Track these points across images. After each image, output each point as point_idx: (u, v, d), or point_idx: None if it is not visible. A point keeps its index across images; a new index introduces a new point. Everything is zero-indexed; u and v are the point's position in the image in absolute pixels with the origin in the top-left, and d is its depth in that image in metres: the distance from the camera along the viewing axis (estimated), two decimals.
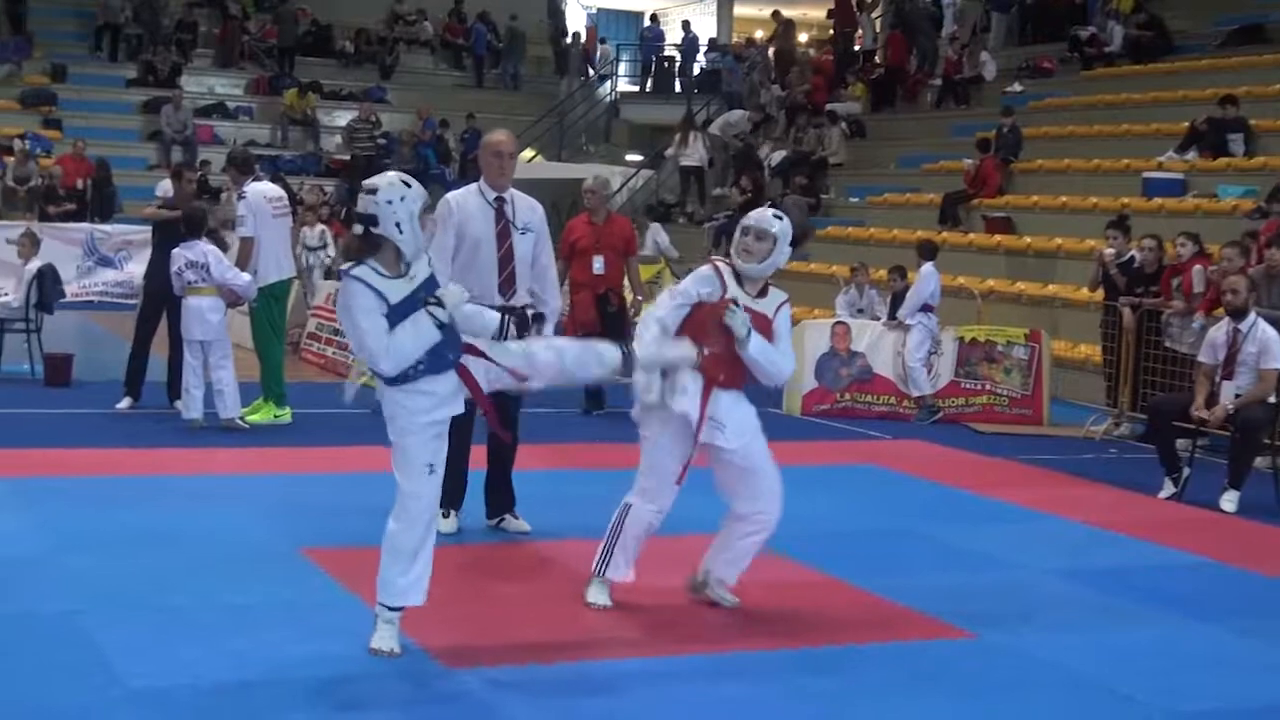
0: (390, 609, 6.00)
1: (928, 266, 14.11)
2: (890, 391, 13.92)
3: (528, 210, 8.10)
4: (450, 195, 8.13)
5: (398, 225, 5.72)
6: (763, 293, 6.81)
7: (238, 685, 5.58)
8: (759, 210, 7.01)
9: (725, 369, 6.68)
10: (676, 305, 6.68)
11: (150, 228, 12.82)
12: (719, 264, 6.80)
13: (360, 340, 5.80)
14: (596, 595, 6.89)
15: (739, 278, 6.73)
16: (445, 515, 7.80)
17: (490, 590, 7.16)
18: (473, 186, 8.14)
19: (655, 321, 6.62)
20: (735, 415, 6.71)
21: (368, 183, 5.89)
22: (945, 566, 8.13)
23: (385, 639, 5.99)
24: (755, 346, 6.62)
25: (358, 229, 5.82)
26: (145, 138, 27.47)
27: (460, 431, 7.76)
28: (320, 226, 19.29)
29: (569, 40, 32.75)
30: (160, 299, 11.94)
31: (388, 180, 5.84)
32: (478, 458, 8.25)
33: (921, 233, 19.71)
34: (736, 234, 6.80)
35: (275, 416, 11.62)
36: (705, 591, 6.96)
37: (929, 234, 18.58)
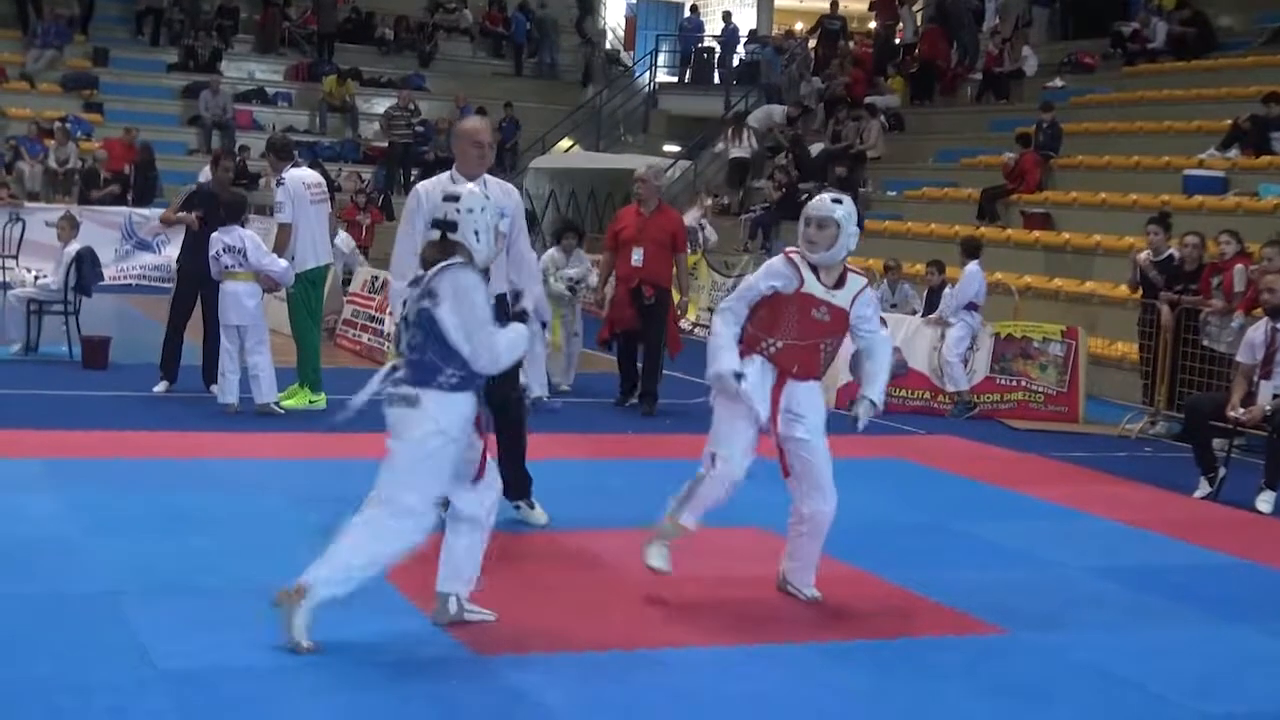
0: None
1: (972, 265, 14.06)
2: (925, 386, 13.88)
3: (501, 195, 7.78)
4: (420, 185, 7.98)
5: (476, 233, 5.90)
6: (840, 282, 6.76)
7: (267, 669, 5.60)
8: (818, 198, 6.87)
9: (799, 360, 6.68)
10: (743, 299, 6.71)
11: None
12: (793, 254, 6.73)
13: (474, 329, 5.78)
14: (656, 559, 6.85)
15: (815, 268, 6.69)
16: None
17: (520, 577, 7.15)
18: (444, 176, 7.92)
19: (721, 315, 6.76)
20: (811, 406, 6.74)
21: (449, 191, 6.07)
22: (977, 562, 8.11)
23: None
24: (880, 390, 6.89)
25: (434, 234, 5.95)
26: (185, 122, 27.58)
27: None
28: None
29: (600, 35, 32.68)
30: (195, 282, 11.98)
31: (469, 190, 6.10)
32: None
33: (960, 228, 19.67)
34: (800, 225, 6.76)
35: (310, 402, 11.66)
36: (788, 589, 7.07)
37: (968, 229, 18.54)
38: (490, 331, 5.83)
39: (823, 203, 6.76)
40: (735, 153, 25.65)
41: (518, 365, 8.06)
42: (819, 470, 6.76)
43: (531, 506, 8.30)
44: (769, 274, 6.71)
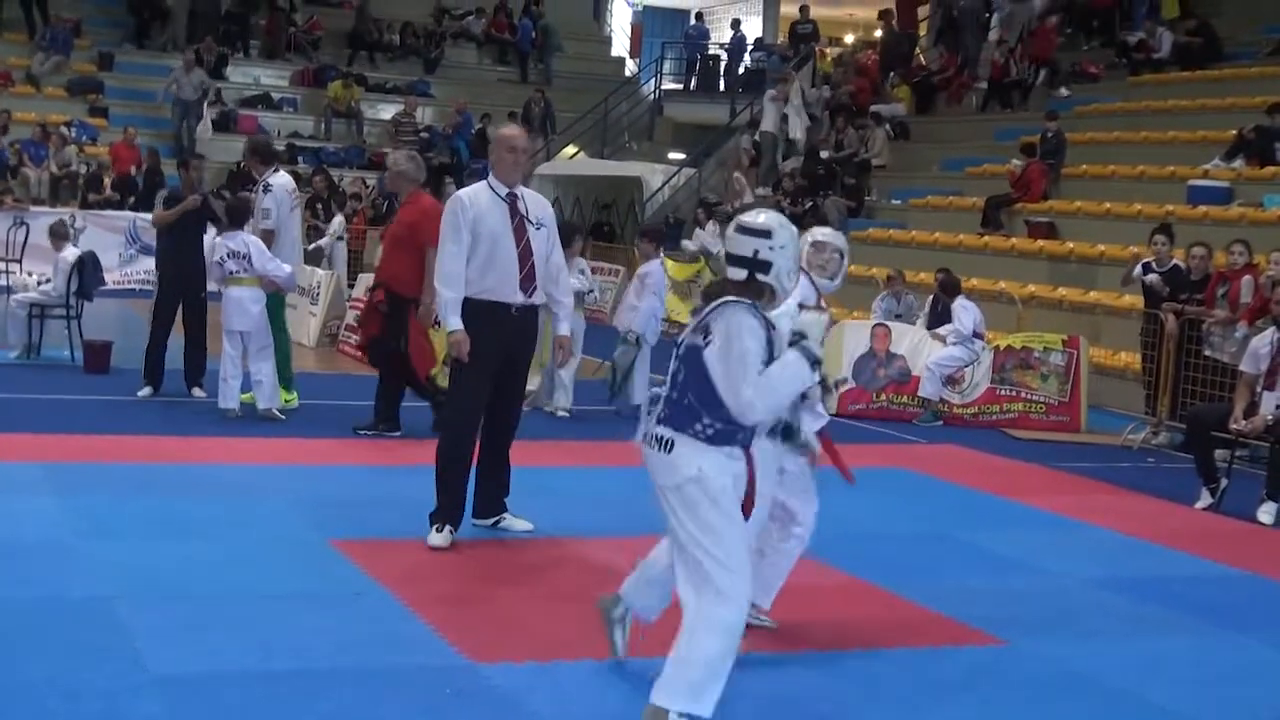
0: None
1: (960, 300, 14.01)
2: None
3: (539, 206, 7.92)
4: (461, 192, 7.91)
5: (787, 273, 5.18)
6: None
7: (262, 675, 5.59)
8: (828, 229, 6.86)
9: None
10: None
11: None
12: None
13: (739, 378, 4.95)
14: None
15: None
16: (439, 530, 7.73)
17: (517, 585, 7.14)
18: (482, 183, 7.90)
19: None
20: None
21: (756, 223, 5.20)
22: (977, 572, 8.08)
23: None
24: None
25: (738, 273, 5.14)
26: None
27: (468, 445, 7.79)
28: (339, 216, 19.76)
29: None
30: (176, 286, 12.05)
31: (779, 222, 5.20)
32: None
33: (964, 237, 19.68)
34: (807, 248, 6.66)
35: (285, 401, 11.68)
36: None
37: (972, 238, 18.52)
38: (759, 377, 4.95)
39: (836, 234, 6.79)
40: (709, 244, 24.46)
41: (524, 370, 8.08)
42: (808, 474, 6.66)
43: (514, 515, 8.16)
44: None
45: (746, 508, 5.16)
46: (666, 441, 5.12)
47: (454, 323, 7.67)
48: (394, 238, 10.91)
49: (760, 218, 5.24)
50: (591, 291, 13.55)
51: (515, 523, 8.13)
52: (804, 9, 29.71)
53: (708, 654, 5.00)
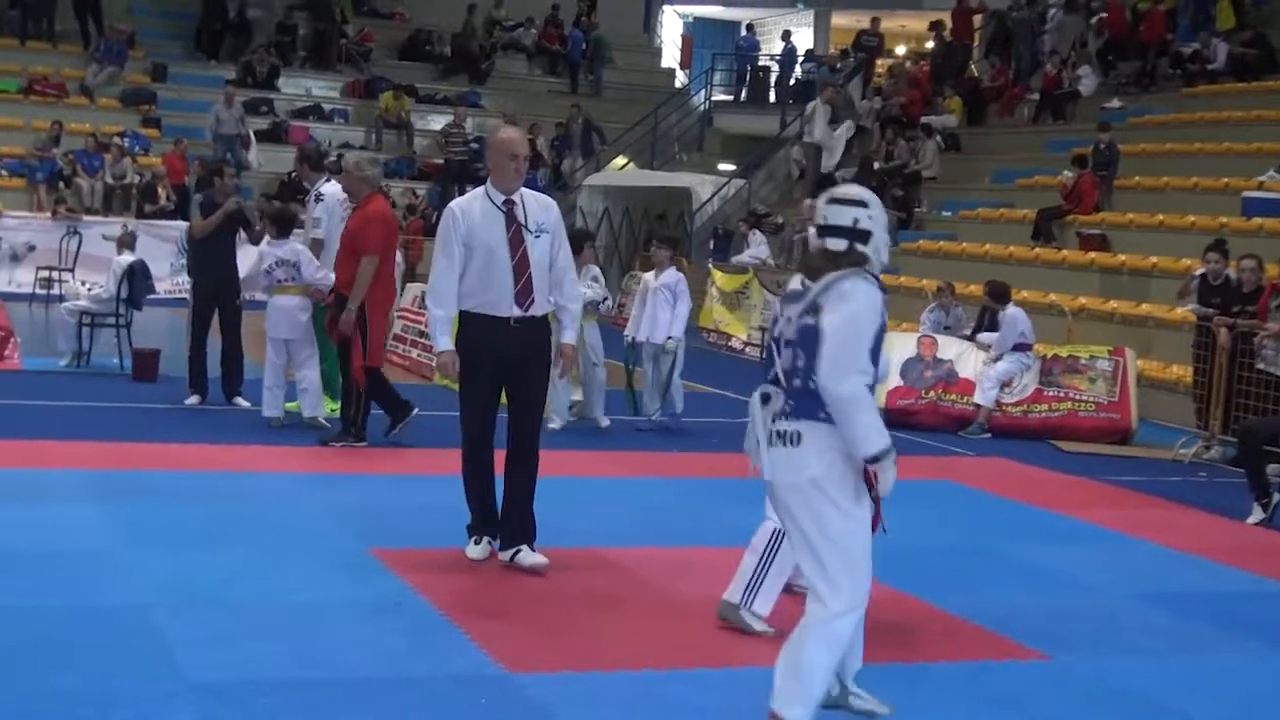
0: None
1: (1010, 309, 13.93)
2: (974, 393, 13.83)
3: (540, 210, 7.50)
4: (454, 204, 7.58)
5: (884, 244, 5.12)
6: None
7: (298, 683, 5.57)
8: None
9: None
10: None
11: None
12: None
13: (842, 350, 4.84)
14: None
15: None
16: (476, 542, 7.67)
17: (555, 595, 7.10)
18: (478, 191, 7.59)
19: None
20: None
21: (852, 194, 5.15)
22: (1021, 586, 7.98)
23: None
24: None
25: (838, 244, 5.03)
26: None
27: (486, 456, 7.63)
28: None
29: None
30: (211, 295, 12.13)
31: (869, 193, 5.17)
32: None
33: (1014, 249, 19.53)
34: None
35: (331, 410, 11.69)
36: (735, 616, 6.64)
37: (1023, 250, 18.36)
38: (862, 365, 4.85)
39: None
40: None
41: (543, 392, 7.84)
42: None
43: (532, 549, 7.56)
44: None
45: (874, 521, 5.08)
46: (793, 435, 4.97)
47: (442, 343, 7.51)
48: (343, 243, 10.73)
49: (853, 189, 5.22)
50: (606, 300, 13.24)
51: (530, 558, 7.51)
52: (875, 20, 29.59)
53: (819, 665, 4.97)
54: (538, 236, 7.41)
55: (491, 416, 7.56)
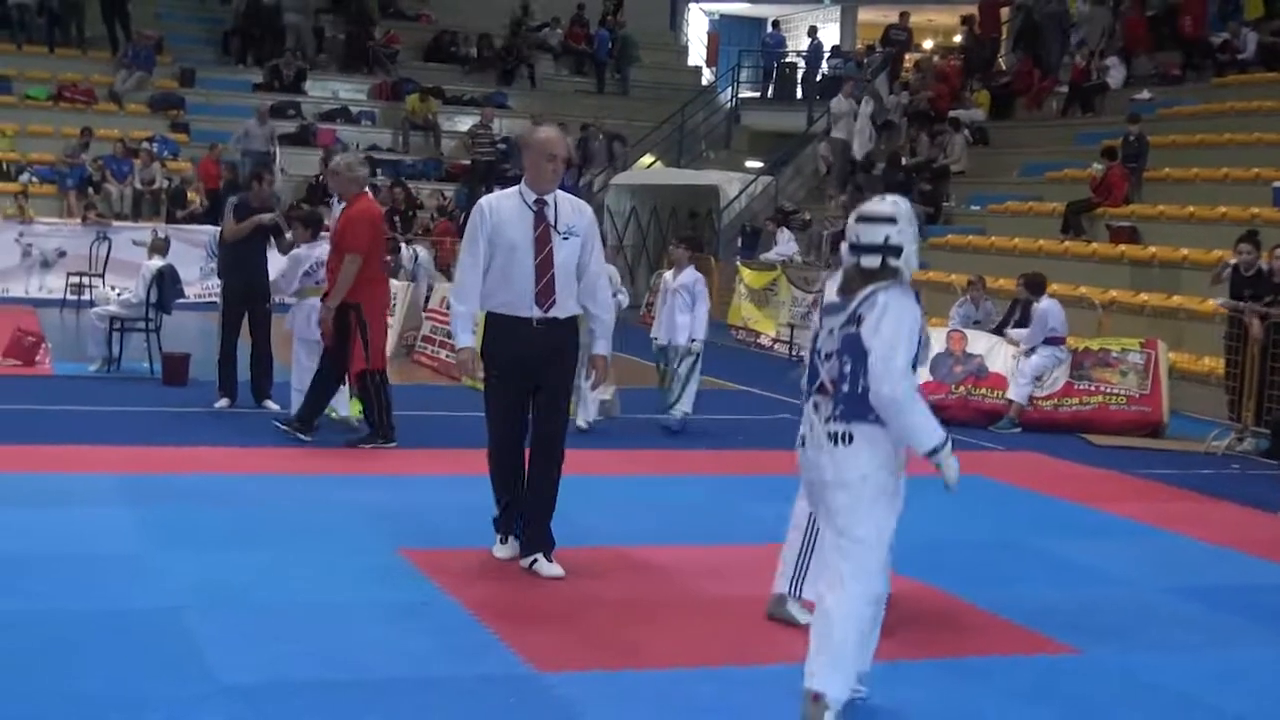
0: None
1: (1044, 302, 13.89)
2: (1004, 387, 13.81)
3: (573, 213, 7.40)
4: (485, 199, 7.52)
5: (915, 254, 5.35)
6: None
7: (327, 684, 5.59)
8: None
9: None
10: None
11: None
12: None
13: (899, 356, 5.14)
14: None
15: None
16: (504, 541, 7.67)
17: (583, 594, 7.10)
18: (513, 190, 7.50)
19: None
20: None
21: (882, 211, 5.35)
22: (1052, 580, 7.94)
23: None
24: None
25: (872, 261, 5.27)
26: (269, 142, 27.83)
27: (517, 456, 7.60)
28: (405, 249, 19.74)
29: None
30: (240, 299, 12.19)
31: (902, 207, 5.37)
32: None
33: (1044, 242, 19.45)
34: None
35: (356, 413, 11.70)
36: (783, 611, 6.68)
37: (1052, 243, 18.27)
38: (904, 369, 5.15)
39: None
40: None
41: (567, 393, 7.80)
42: None
43: (550, 560, 7.45)
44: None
45: None
46: (845, 435, 5.27)
47: (462, 339, 7.48)
48: (332, 242, 10.75)
49: (882, 205, 5.41)
50: (618, 295, 13.12)
51: (548, 568, 7.41)
52: (904, 15, 29.50)
53: (849, 640, 5.28)
54: (566, 239, 7.33)
55: (517, 417, 7.51)
